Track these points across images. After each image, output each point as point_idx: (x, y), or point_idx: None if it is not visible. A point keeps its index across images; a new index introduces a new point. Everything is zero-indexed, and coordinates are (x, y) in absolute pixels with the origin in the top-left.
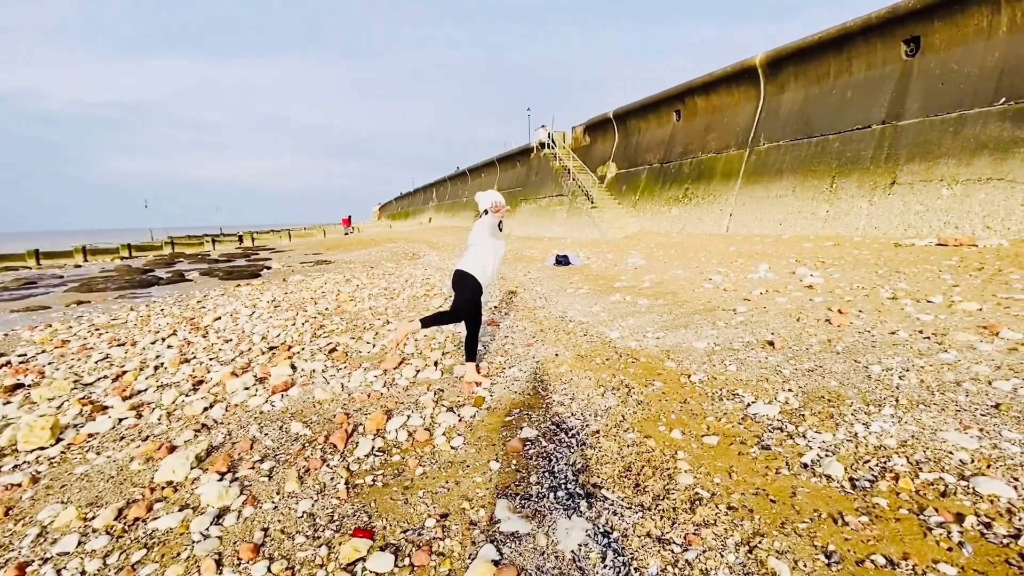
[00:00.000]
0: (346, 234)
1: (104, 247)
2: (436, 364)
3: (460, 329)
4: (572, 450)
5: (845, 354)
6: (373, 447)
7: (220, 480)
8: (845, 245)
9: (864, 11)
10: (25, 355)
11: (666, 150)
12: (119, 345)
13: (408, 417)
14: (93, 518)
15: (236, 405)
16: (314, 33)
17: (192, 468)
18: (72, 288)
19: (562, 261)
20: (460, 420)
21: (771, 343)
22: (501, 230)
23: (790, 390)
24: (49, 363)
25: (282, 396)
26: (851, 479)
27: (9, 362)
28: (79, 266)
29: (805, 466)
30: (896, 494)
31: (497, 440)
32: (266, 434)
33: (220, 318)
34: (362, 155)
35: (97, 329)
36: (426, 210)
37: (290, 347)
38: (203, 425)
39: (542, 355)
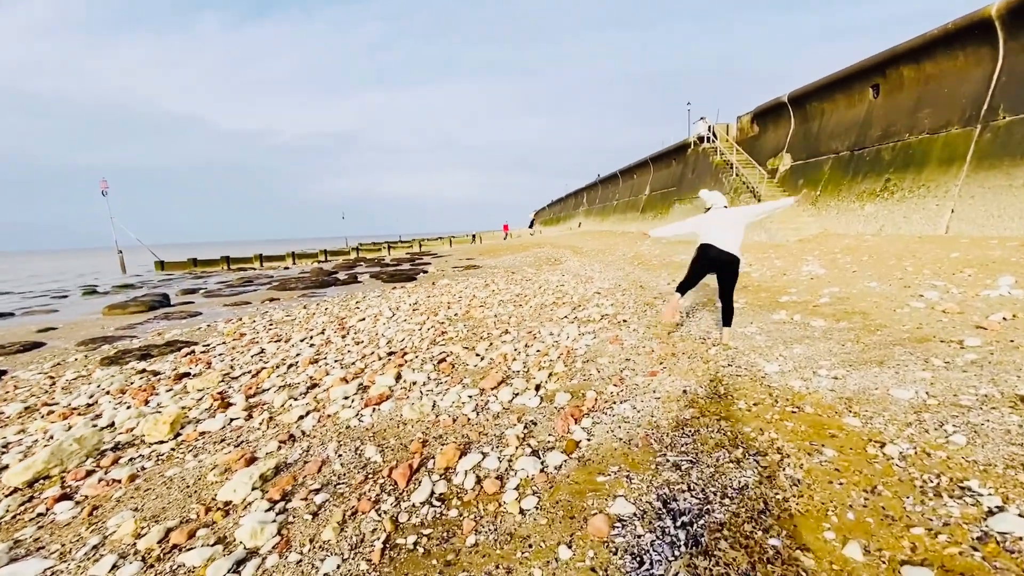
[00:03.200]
0: (504, 239)
1: (307, 252)
2: (538, 388)
3: (576, 347)
4: (677, 552)
5: None
6: (433, 492)
7: (268, 510)
8: None
9: None
10: (209, 345)
11: (858, 134)
12: (276, 341)
13: (484, 456)
14: (144, 535)
15: (329, 416)
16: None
17: (253, 489)
18: (272, 287)
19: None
20: (542, 470)
21: None
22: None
23: None
24: (220, 355)
25: (374, 410)
26: None
27: (193, 351)
28: (287, 268)
29: None
30: None
31: (579, 510)
32: (340, 455)
33: (364, 319)
34: (523, 167)
35: (271, 324)
36: (576, 215)
37: (405, 353)
38: (291, 436)
39: (666, 389)
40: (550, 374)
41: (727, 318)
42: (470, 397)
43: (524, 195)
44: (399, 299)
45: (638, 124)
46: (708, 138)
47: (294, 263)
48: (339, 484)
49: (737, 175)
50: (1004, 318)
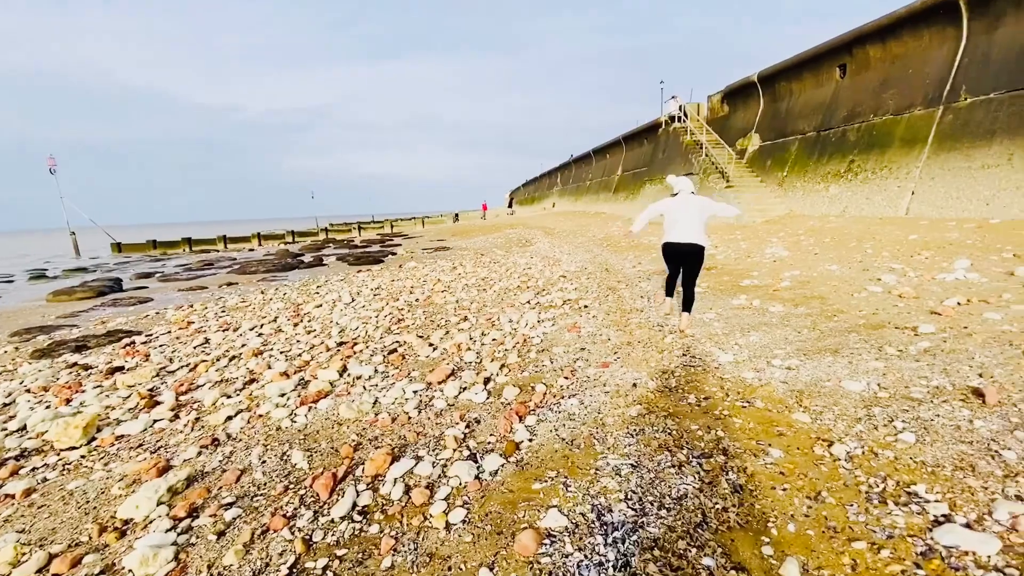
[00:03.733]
0: (482, 218)
1: (274, 233)
2: (487, 382)
3: (533, 335)
4: (603, 574)
5: None
6: (356, 505)
7: (170, 530)
8: None
9: None
10: (152, 335)
11: (825, 115)
12: (224, 330)
13: (418, 461)
14: (20, 564)
15: (260, 416)
16: (460, 30)
17: (159, 504)
18: (233, 271)
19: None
20: (477, 477)
21: (979, 393)
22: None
23: (1021, 498)
24: (161, 346)
25: (310, 409)
26: None
27: (133, 342)
28: (252, 250)
29: None
30: None
31: (508, 524)
32: (263, 462)
33: (321, 306)
34: (502, 146)
35: (223, 311)
36: (550, 195)
37: (355, 344)
38: (214, 440)
39: (616, 383)
40: (502, 365)
41: (688, 304)
42: (414, 393)
43: (503, 174)
44: (362, 283)
45: (616, 103)
46: (679, 118)
47: (260, 245)
48: (256, 496)
49: (707, 155)
50: (958, 303)
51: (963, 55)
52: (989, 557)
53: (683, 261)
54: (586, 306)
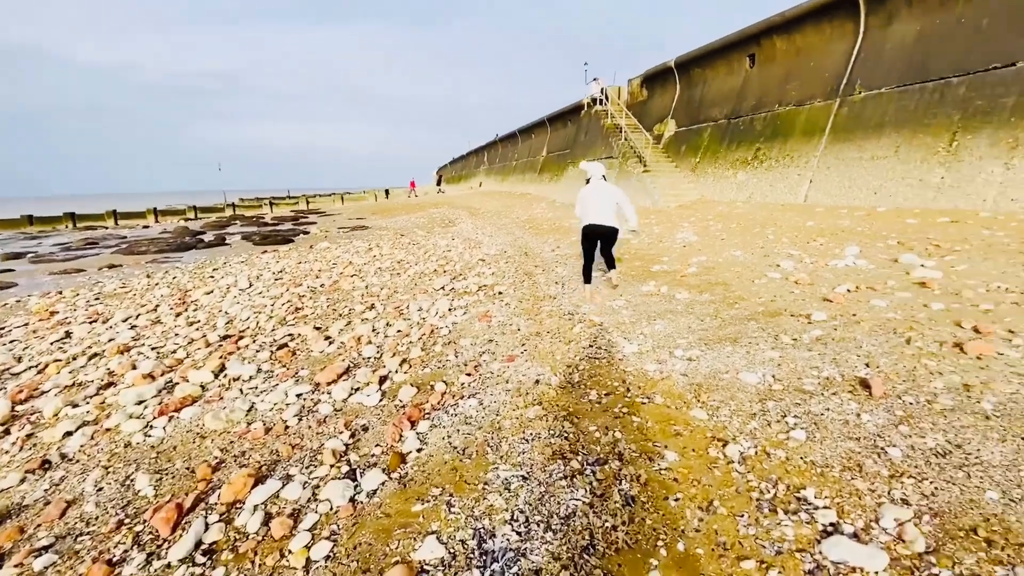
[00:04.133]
0: (409, 196)
1: (174, 209)
2: (383, 381)
3: (442, 325)
4: None
5: (1004, 419)
6: (200, 543)
7: None
8: (968, 223)
9: None
10: (3, 329)
11: (735, 103)
12: (92, 322)
13: (286, 482)
14: None
15: (108, 430)
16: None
17: None
18: (119, 250)
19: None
20: (352, 499)
21: (866, 384)
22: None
23: (907, 501)
24: (12, 342)
25: (170, 419)
26: None
27: None
28: (147, 227)
29: None
30: None
31: (377, 559)
32: (100, 489)
33: (212, 292)
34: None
35: (98, 299)
36: (477, 174)
37: (241, 337)
38: (45, 462)
39: (520, 379)
40: (403, 361)
41: (611, 265)
42: (298, 396)
43: (436, 151)
44: (264, 266)
45: (546, 85)
46: (600, 100)
47: (157, 221)
48: (81, 536)
49: (626, 139)
50: (848, 290)
51: (859, 50)
52: (876, 573)
53: (600, 239)
54: (500, 292)
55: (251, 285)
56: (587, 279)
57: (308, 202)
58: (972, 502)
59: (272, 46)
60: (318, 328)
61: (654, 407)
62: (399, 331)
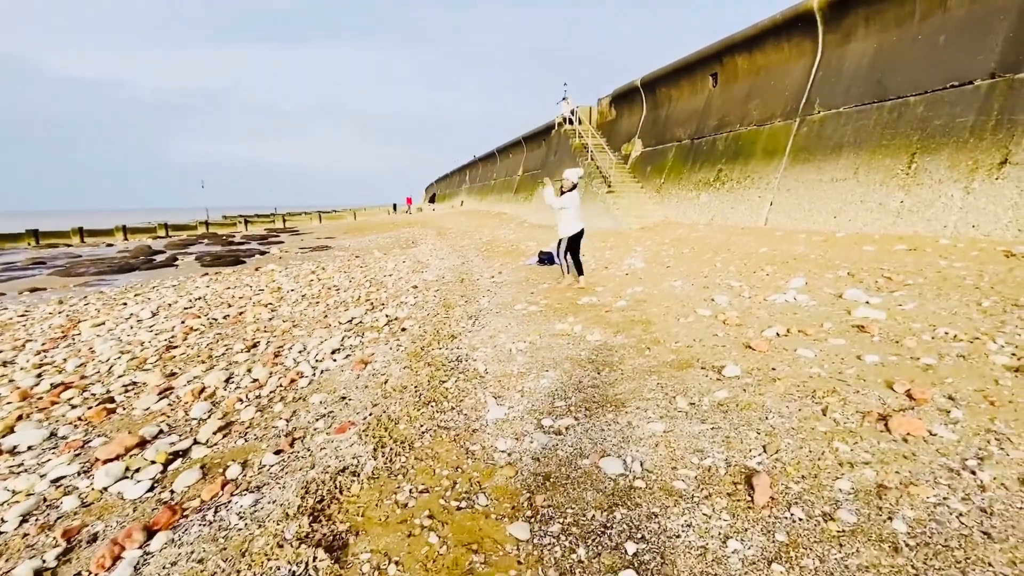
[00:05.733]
0: (406, 212)
1: (143, 226)
2: (176, 458)
3: (310, 372)
4: None
5: (917, 553)
6: None
7: None
8: (926, 251)
9: None
10: None
11: (699, 123)
12: None
13: None
14: None
15: None
16: (374, 18)
17: None
18: (57, 271)
19: (545, 260)
20: None
21: (751, 483)
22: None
23: None
24: None
25: None
26: None
27: None
28: (111, 245)
29: None
30: None
31: None
32: None
33: (104, 323)
34: (424, 140)
35: None
36: (459, 193)
37: (66, 389)
38: None
39: (330, 463)
40: (224, 426)
41: (580, 269)
42: (53, 483)
43: (427, 168)
44: (187, 292)
45: (533, 103)
46: (570, 120)
47: (126, 239)
48: None
49: (591, 159)
50: (778, 334)
51: (818, 68)
52: None
53: (577, 241)
54: (404, 329)
55: (154, 315)
56: (579, 271)
57: (284, 220)
58: None
59: (262, 63)
60: (173, 374)
61: (466, 521)
62: (255, 380)
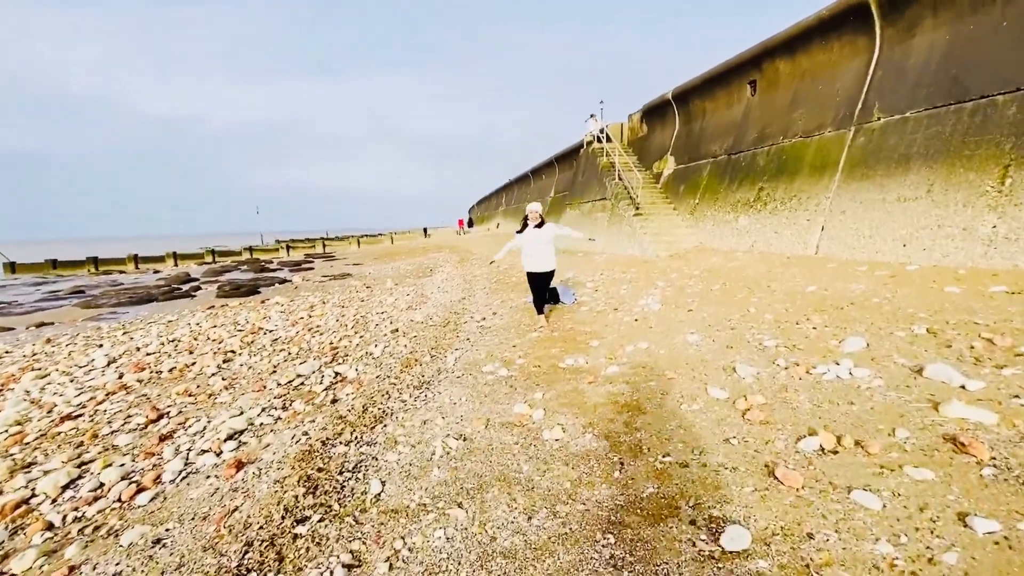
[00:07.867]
0: (458, 234)
1: (192, 253)
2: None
3: (167, 478)
4: None
5: None
6: None
7: None
8: None
9: None
10: None
11: (736, 136)
12: None
13: None
14: None
15: None
16: (423, 47)
17: None
18: (80, 302)
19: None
20: None
21: None
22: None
23: None
24: None
25: None
26: None
27: None
28: (158, 272)
29: None
30: None
31: None
32: None
33: (48, 375)
34: (471, 160)
35: None
36: (495, 215)
37: None
38: None
39: None
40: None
41: (553, 299)
42: None
43: (473, 189)
44: (174, 329)
45: (576, 119)
46: (600, 138)
47: (176, 264)
48: None
49: (619, 179)
50: (822, 447)
51: (876, 68)
52: None
53: (541, 282)
54: (334, 400)
55: (111, 363)
56: (539, 311)
57: (324, 245)
58: None
59: (321, 95)
60: (27, 466)
61: None
62: (99, 486)
